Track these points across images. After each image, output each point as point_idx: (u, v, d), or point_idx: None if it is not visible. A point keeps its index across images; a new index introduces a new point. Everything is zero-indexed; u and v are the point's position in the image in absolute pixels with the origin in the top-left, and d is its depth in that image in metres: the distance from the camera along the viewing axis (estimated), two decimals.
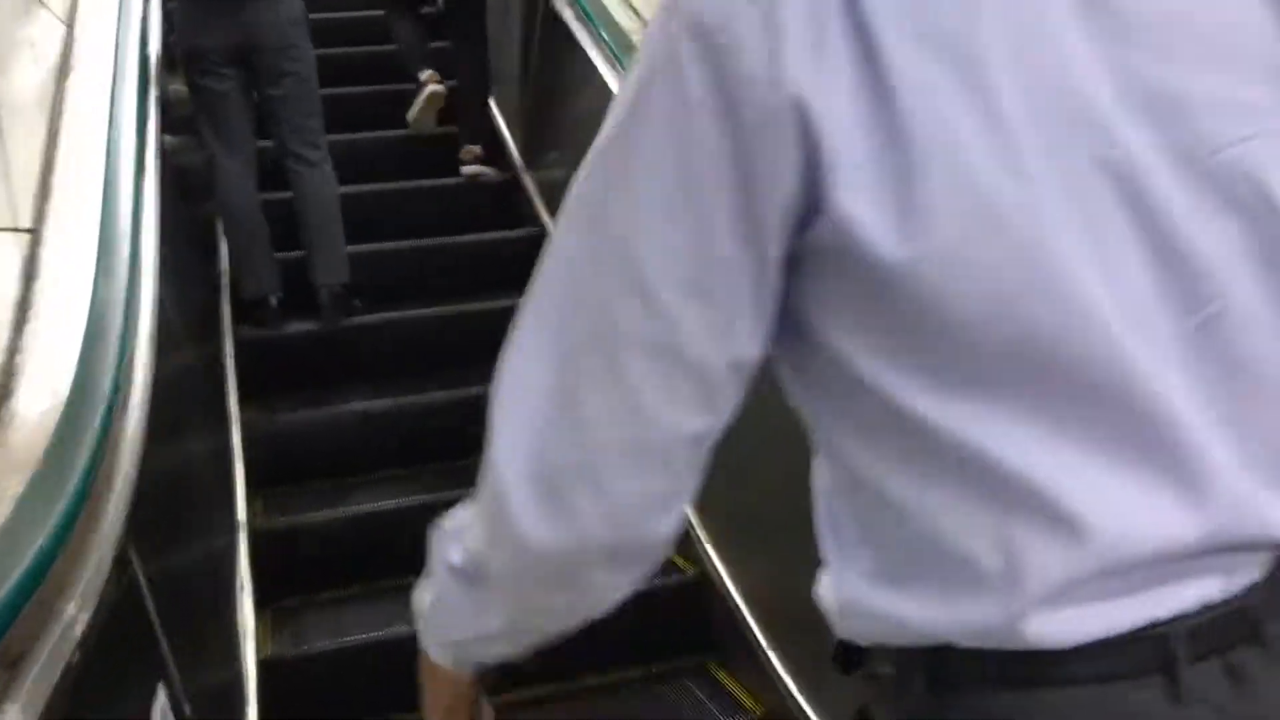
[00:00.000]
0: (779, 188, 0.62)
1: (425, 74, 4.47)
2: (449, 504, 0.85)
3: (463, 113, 4.48)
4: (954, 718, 0.68)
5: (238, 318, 3.58)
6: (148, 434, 1.58)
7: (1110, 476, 0.64)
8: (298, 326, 3.62)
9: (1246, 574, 0.68)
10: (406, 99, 4.52)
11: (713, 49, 0.60)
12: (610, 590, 0.75)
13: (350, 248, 3.67)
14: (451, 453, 3.06)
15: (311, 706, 2.64)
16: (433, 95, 4.43)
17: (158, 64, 2.97)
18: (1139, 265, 0.63)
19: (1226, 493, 0.65)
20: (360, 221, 3.80)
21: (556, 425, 0.68)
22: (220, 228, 3.73)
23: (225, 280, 3.69)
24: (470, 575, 0.79)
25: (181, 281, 2.92)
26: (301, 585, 2.94)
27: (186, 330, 2.72)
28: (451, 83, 4.48)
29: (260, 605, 2.78)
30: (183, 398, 2.35)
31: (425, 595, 0.86)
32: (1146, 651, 0.65)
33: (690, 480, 0.71)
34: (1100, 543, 0.63)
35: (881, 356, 0.65)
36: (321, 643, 2.72)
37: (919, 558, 0.67)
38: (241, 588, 2.66)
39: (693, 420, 0.67)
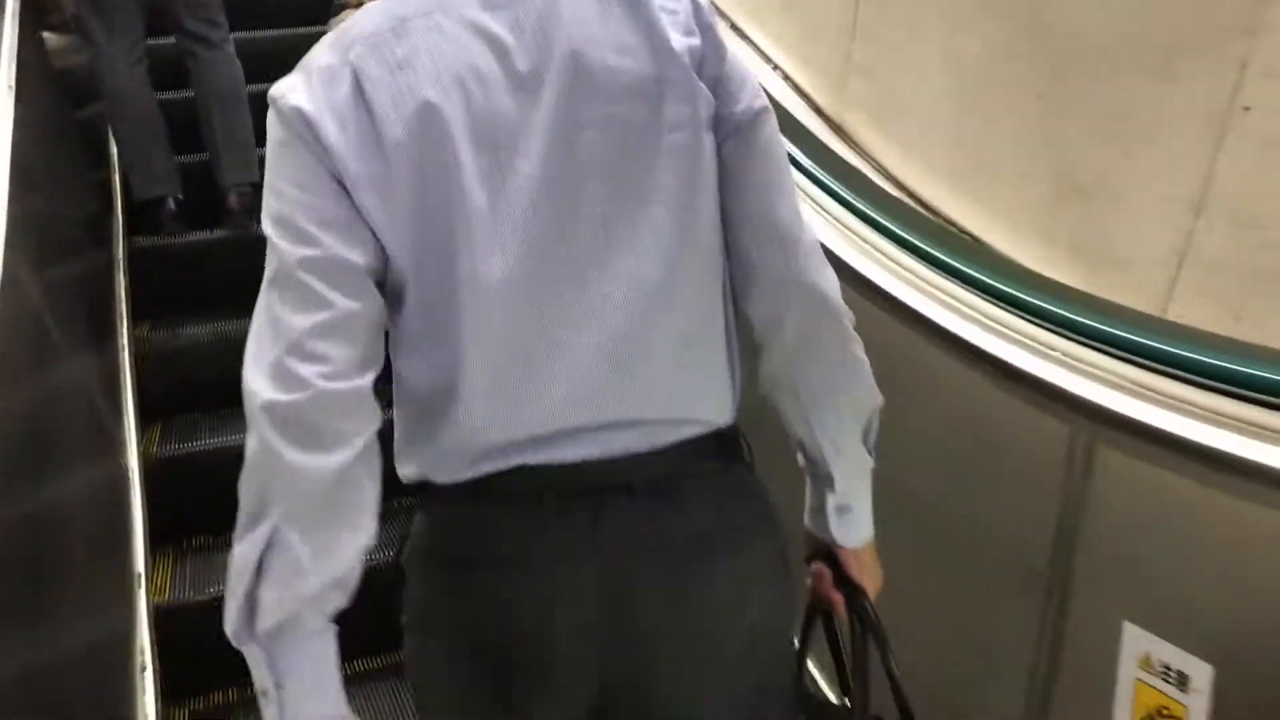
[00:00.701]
0: (341, 188, 1.07)
1: None
2: None
3: None
4: (425, 522, 1.19)
5: (131, 228, 3.25)
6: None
7: (493, 389, 1.10)
8: (202, 234, 3.30)
9: (627, 442, 1.12)
10: None
11: (293, 122, 1.08)
12: (352, 435, 1.04)
13: (264, 149, 3.33)
14: None
15: (220, 658, 2.41)
16: None
17: None
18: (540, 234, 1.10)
19: (578, 388, 1.10)
20: None
21: (273, 335, 1.03)
22: (110, 129, 3.36)
23: (116, 184, 3.34)
24: (270, 547, 1.01)
25: (59, 188, 2.61)
26: (207, 522, 2.68)
27: (64, 245, 2.42)
28: None
29: (160, 546, 2.54)
30: (55, 319, 2.07)
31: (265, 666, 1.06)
32: (523, 486, 1.11)
33: (376, 348, 1.09)
34: (477, 431, 1.11)
35: (396, 323, 1.13)
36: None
37: (412, 440, 1.17)
38: (134, 528, 2.40)
39: (355, 300, 1.05)
